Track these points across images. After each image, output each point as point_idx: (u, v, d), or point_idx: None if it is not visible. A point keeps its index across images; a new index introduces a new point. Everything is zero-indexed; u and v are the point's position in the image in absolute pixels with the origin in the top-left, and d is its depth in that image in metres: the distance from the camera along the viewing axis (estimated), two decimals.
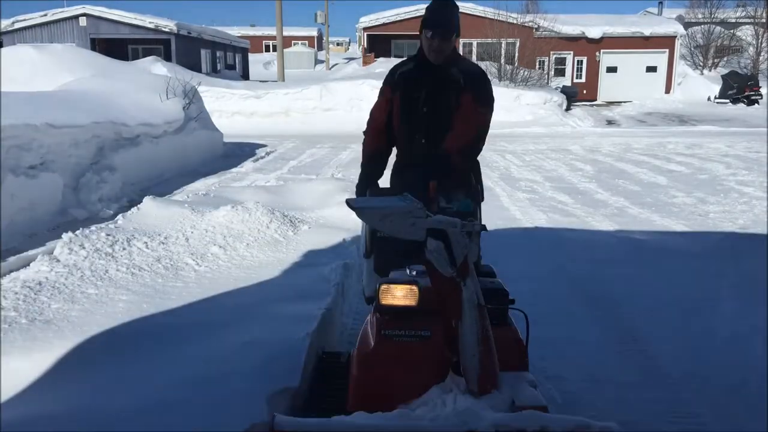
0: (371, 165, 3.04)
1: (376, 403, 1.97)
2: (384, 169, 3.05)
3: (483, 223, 2.40)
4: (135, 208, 5.33)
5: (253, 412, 2.26)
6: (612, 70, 29.05)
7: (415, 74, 2.86)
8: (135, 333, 3.07)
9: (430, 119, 2.80)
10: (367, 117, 3.04)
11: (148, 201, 5.36)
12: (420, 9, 27.68)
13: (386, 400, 2.00)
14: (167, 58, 25.77)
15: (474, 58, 25.95)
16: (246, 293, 3.71)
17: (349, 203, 2.06)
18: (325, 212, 5.87)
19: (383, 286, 2.23)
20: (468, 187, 2.79)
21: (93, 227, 4.69)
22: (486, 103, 2.81)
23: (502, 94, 20.72)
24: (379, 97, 3.02)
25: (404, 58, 3.08)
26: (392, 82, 2.94)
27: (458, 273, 1.96)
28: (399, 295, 2.21)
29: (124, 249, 4.26)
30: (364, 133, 3.07)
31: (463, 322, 1.96)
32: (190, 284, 3.81)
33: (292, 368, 2.67)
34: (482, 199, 2.94)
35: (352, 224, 4.97)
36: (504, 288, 2.30)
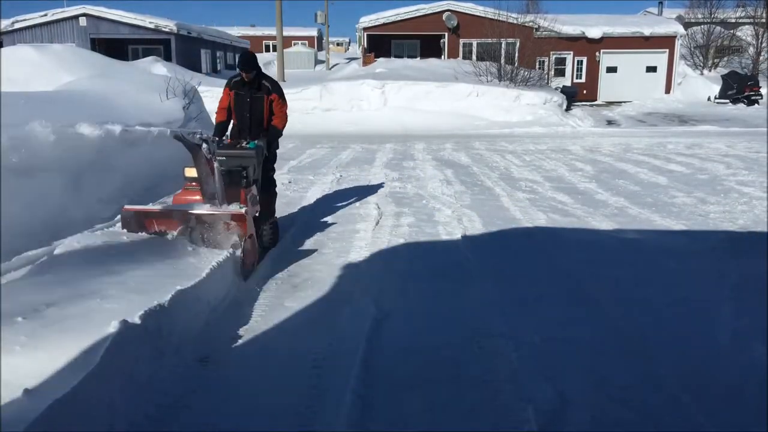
0: (218, 126, 5.87)
1: None
2: (226, 130, 5.92)
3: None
4: None
5: None
6: (612, 70, 29.05)
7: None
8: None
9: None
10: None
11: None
12: (420, 9, 27.68)
13: None
14: (167, 58, 25.81)
15: (474, 58, 25.98)
16: None
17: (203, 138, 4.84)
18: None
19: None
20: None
21: (94, 227, 4.68)
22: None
23: (501, 94, 20.84)
24: (223, 92, 5.86)
25: (236, 74, 5.79)
26: (229, 85, 5.85)
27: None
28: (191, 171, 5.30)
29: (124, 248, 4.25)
30: (216, 112, 5.95)
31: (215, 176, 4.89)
32: None
33: None
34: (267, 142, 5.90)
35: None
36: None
